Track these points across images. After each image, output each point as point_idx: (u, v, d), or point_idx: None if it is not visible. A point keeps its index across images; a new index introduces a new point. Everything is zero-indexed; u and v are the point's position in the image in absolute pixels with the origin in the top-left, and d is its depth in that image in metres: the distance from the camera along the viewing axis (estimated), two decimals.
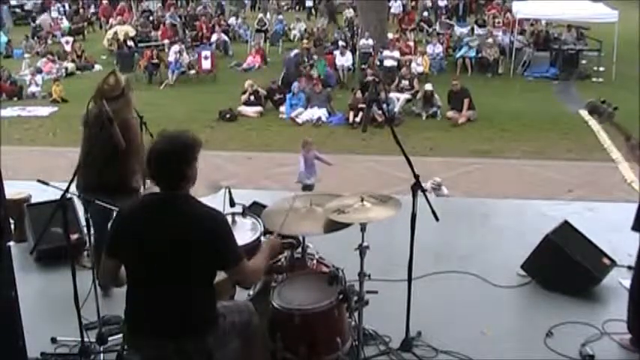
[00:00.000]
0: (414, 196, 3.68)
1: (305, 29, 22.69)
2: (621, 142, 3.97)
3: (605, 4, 17.88)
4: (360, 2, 19.83)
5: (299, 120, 13.96)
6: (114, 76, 4.57)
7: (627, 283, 4.32)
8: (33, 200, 5.57)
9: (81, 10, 27.56)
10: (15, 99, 16.01)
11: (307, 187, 8.85)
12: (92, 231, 4.23)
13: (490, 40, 18.26)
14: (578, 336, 4.13)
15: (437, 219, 3.67)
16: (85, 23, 25.73)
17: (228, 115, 14.09)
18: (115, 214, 3.31)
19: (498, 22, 20.96)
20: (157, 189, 3.00)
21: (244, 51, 20.48)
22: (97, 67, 19.31)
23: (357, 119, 13.52)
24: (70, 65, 19.01)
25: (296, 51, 17.73)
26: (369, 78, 15.21)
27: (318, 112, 14.01)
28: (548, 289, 4.76)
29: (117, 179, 4.44)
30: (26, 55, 19.44)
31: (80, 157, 4.41)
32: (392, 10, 24.35)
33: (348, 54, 17.61)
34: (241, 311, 3.23)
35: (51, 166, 9.52)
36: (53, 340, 4.07)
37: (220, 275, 3.15)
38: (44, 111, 15.12)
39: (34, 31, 23.16)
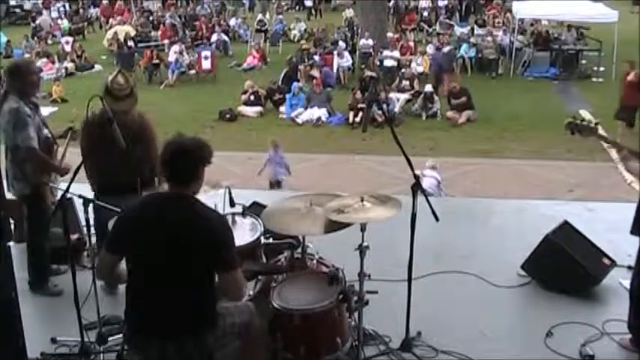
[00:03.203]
0: (414, 196, 3.68)
1: (305, 29, 22.71)
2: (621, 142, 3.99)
3: (605, 4, 17.87)
4: (360, 2, 19.83)
5: (299, 120, 13.98)
6: (122, 75, 4.58)
7: (627, 283, 4.32)
8: None
9: (81, 10, 27.56)
10: None
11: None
12: (92, 230, 4.23)
13: (490, 40, 18.26)
14: (578, 336, 4.13)
15: (437, 219, 3.67)
16: (85, 23, 25.74)
17: (228, 115, 14.10)
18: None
19: (498, 22, 20.95)
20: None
21: (244, 51, 20.48)
22: (97, 67, 19.32)
23: (357, 119, 13.53)
24: (70, 65, 19.01)
25: (448, 48, 17.56)
26: (367, 74, 15.24)
27: (318, 112, 14.01)
28: (548, 289, 4.75)
29: (152, 176, 4.54)
30: (26, 55, 19.42)
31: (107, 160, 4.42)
32: (392, 10, 24.37)
33: (347, 55, 17.63)
34: (241, 312, 3.23)
35: None
36: (53, 340, 4.06)
37: None
38: (44, 111, 14.79)
39: (34, 31, 23.14)
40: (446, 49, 17.23)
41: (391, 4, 23.93)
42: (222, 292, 3.04)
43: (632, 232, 3.91)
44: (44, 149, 4.50)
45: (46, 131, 4.61)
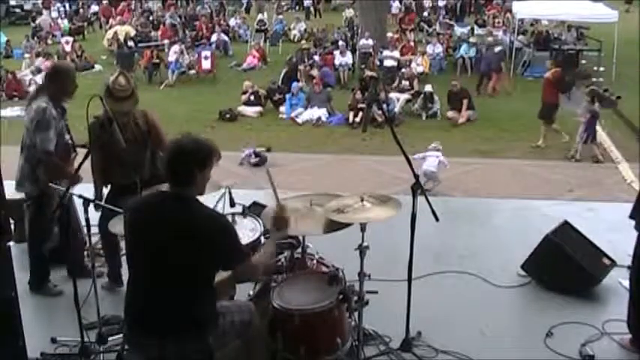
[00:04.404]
0: (414, 196, 3.69)
1: (305, 29, 22.72)
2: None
3: (605, 4, 17.87)
4: (360, 2, 19.84)
5: (299, 120, 13.96)
6: (123, 76, 4.58)
7: (627, 283, 4.33)
8: None
9: (81, 10, 27.57)
10: (15, 99, 15.98)
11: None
12: (93, 230, 4.23)
13: (490, 40, 18.24)
14: (578, 336, 4.13)
15: (437, 219, 3.67)
16: (85, 23, 25.73)
17: (228, 115, 14.09)
18: None
19: (498, 22, 20.96)
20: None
21: (244, 51, 20.47)
22: (97, 67, 19.30)
23: (357, 119, 13.52)
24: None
25: (499, 48, 17.31)
26: (367, 74, 15.24)
27: (318, 112, 14.00)
28: (548, 289, 4.76)
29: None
30: (26, 55, 19.41)
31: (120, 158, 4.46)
32: (392, 10, 24.38)
33: (348, 54, 17.63)
34: (241, 311, 3.23)
35: None
36: (53, 340, 4.07)
37: (220, 275, 3.16)
38: None
39: (34, 31, 23.13)
40: (497, 49, 17.10)
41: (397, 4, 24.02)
42: (245, 280, 3.21)
43: (631, 217, 3.92)
44: (62, 155, 4.47)
45: (67, 137, 4.60)
